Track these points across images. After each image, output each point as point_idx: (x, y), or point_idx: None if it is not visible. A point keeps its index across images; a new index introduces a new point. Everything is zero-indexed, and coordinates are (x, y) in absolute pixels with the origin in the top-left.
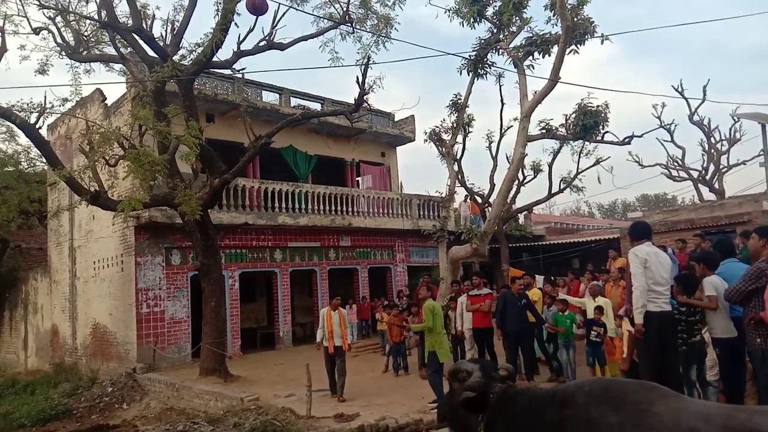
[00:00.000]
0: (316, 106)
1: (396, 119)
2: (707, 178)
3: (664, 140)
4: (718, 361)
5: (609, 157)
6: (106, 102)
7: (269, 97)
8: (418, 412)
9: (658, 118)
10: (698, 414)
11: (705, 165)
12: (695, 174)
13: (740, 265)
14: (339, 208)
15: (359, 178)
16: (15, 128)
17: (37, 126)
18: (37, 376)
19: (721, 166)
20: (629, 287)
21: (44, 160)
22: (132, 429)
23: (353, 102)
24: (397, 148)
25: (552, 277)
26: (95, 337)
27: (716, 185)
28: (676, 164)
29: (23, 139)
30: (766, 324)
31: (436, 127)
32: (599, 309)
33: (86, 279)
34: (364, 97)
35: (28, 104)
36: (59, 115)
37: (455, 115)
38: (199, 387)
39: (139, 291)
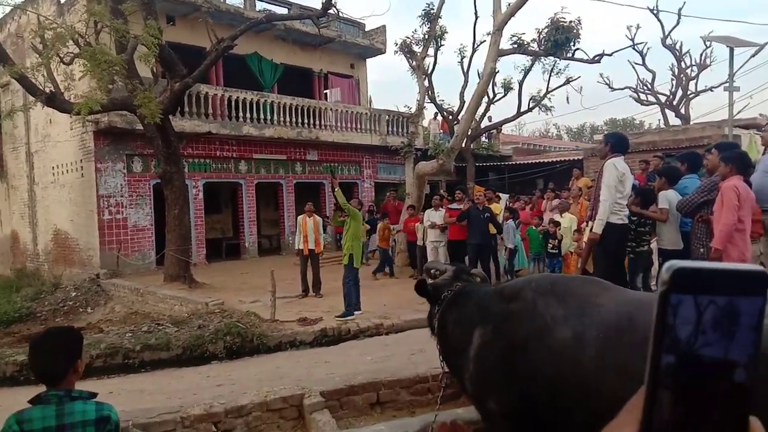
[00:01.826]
0: (283, 11)
1: (366, 29)
2: (674, 103)
3: (636, 63)
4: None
5: (579, 77)
6: None
7: (233, 0)
8: (380, 317)
9: (632, 40)
10: (639, 302)
11: (673, 90)
12: (663, 99)
13: (699, 182)
14: (306, 120)
15: (327, 91)
16: None
17: None
18: None
19: (689, 92)
20: (597, 195)
21: None
22: (97, 331)
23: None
24: (367, 60)
25: (514, 194)
26: (57, 243)
27: (683, 110)
28: (645, 88)
29: None
30: (712, 233)
31: (407, 38)
32: (555, 223)
33: (45, 185)
34: (333, 1)
35: None
36: (9, 9)
37: (427, 26)
38: (163, 292)
39: (101, 198)
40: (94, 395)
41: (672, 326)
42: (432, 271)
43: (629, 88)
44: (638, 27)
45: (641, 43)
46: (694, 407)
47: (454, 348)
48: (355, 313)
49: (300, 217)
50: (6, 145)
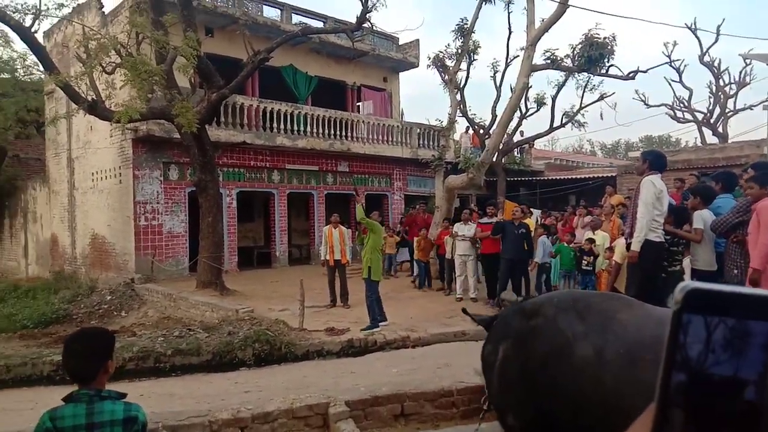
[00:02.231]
0: (319, 25)
1: (400, 43)
2: (712, 121)
3: (672, 80)
4: None
5: (614, 93)
6: (103, 9)
7: (270, 13)
8: (406, 330)
9: (668, 56)
10: (660, 320)
11: (711, 107)
12: (700, 116)
13: (734, 202)
14: (338, 132)
15: (360, 104)
16: (10, 33)
17: (33, 30)
18: (37, 283)
19: (726, 110)
20: (634, 212)
21: (41, 68)
22: (130, 334)
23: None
24: (399, 73)
25: (546, 210)
26: (94, 248)
27: (720, 129)
28: (681, 105)
29: (19, 45)
30: (746, 254)
31: (441, 52)
32: (590, 240)
33: (84, 190)
34: (367, 15)
35: (22, 5)
36: (56, 20)
37: (461, 40)
38: (195, 298)
39: (137, 204)
40: (123, 395)
41: (683, 345)
42: (504, 302)
43: (665, 105)
44: (675, 44)
45: (678, 60)
46: (705, 426)
47: (486, 365)
48: (381, 324)
49: (326, 228)
50: (49, 151)
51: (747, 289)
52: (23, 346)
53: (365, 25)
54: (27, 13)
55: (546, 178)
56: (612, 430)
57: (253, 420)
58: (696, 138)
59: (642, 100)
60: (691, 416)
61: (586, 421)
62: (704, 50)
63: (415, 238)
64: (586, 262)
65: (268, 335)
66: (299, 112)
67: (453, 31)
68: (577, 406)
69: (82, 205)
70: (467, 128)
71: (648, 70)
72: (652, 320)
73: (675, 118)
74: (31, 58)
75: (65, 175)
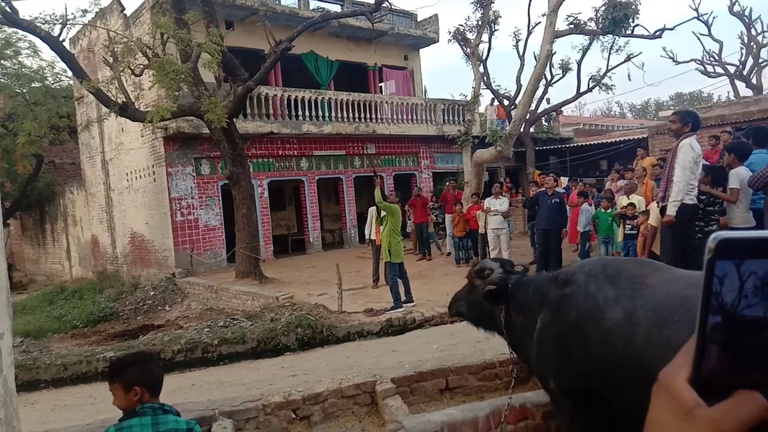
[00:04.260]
0: (336, 8)
1: (419, 19)
2: (744, 73)
3: (701, 34)
4: None
5: (640, 53)
6: (125, 12)
7: (288, 1)
8: (443, 306)
9: (696, 10)
10: (689, 282)
11: (743, 59)
12: (732, 69)
13: None
14: (362, 115)
15: (382, 84)
16: (38, 43)
17: (61, 38)
18: (82, 284)
19: (760, 60)
20: (669, 175)
21: (70, 74)
22: (176, 327)
23: (373, 2)
24: (420, 50)
25: (576, 177)
26: (134, 246)
27: (754, 80)
28: (711, 59)
29: (46, 54)
30: None
31: (461, 25)
32: (631, 204)
33: (120, 190)
34: None
35: (50, 16)
36: (80, 27)
37: (480, 11)
38: (236, 288)
39: (173, 200)
40: (178, 413)
41: (718, 292)
42: (483, 272)
43: (695, 60)
44: None
45: (706, 13)
46: (740, 359)
47: (522, 335)
48: (406, 305)
49: (372, 208)
50: (83, 154)
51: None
52: (75, 345)
53: (384, 5)
54: (55, 23)
55: (576, 144)
56: (645, 389)
57: (304, 401)
58: (729, 92)
59: (671, 57)
60: (725, 350)
61: (619, 381)
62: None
63: (448, 215)
64: (629, 227)
65: (309, 320)
66: (323, 97)
67: (472, 2)
68: (609, 367)
69: (119, 205)
70: (492, 100)
71: (675, 27)
72: (679, 283)
73: (705, 73)
74: (60, 65)
75: (101, 177)
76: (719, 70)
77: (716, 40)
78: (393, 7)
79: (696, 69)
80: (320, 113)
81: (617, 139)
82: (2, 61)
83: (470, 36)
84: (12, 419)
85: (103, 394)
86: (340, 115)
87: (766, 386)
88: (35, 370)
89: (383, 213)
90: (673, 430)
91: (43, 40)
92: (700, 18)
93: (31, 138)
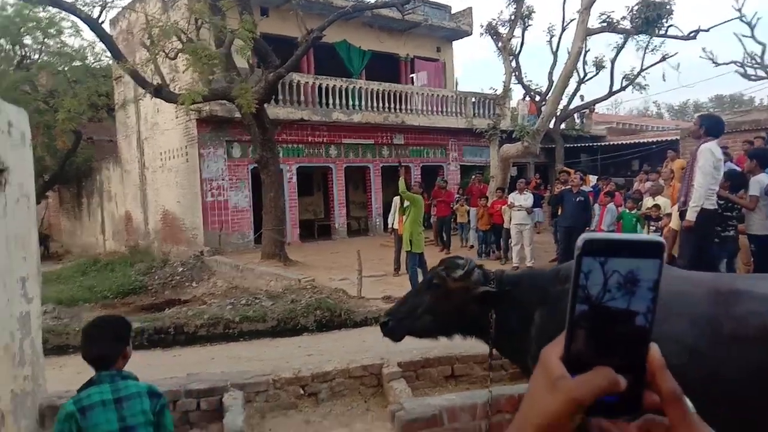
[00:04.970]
0: None
1: (453, 12)
2: None
3: (743, 35)
4: (752, 256)
5: (676, 53)
6: None
7: None
8: None
9: (739, 10)
10: (687, 279)
11: None
12: None
13: None
14: (392, 105)
15: (413, 75)
16: (79, 23)
17: (100, 20)
18: (114, 257)
19: None
20: (690, 179)
21: (109, 55)
22: (201, 303)
23: None
24: (453, 42)
25: (606, 176)
26: (165, 223)
27: None
28: (753, 62)
29: (87, 34)
30: None
31: (494, 19)
32: (656, 206)
33: (154, 169)
34: None
35: None
36: (119, 9)
37: (514, 6)
38: (260, 269)
39: (204, 181)
40: (137, 378)
41: (584, 285)
42: (460, 272)
43: (735, 62)
44: None
45: (750, 14)
46: (602, 342)
47: (515, 335)
48: None
49: (396, 198)
50: (120, 133)
51: (634, 235)
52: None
53: None
54: (95, 5)
55: (607, 143)
56: None
57: (312, 379)
58: None
59: (710, 59)
60: (590, 335)
61: None
62: None
63: (472, 209)
64: (654, 228)
65: (328, 303)
66: (354, 86)
67: None
68: None
69: (153, 183)
70: (524, 95)
71: (710, 28)
72: (676, 280)
73: (746, 76)
74: (100, 45)
75: (136, 155)
76: (761, 73)
77: (759, 42)
78: None
79: (736, 71)
80: (350, 102)
81: (650, 140)
82: (46, 40)
83: (503, 30)
84: (38, 376)
85: (130, 360)
86: (370, 104)
87: (622, 366)
88: (65, 336)
89: (406, 203)
90: (541, 395)
91: (83, 21)
92: (743, 19)
93: (71, 114)
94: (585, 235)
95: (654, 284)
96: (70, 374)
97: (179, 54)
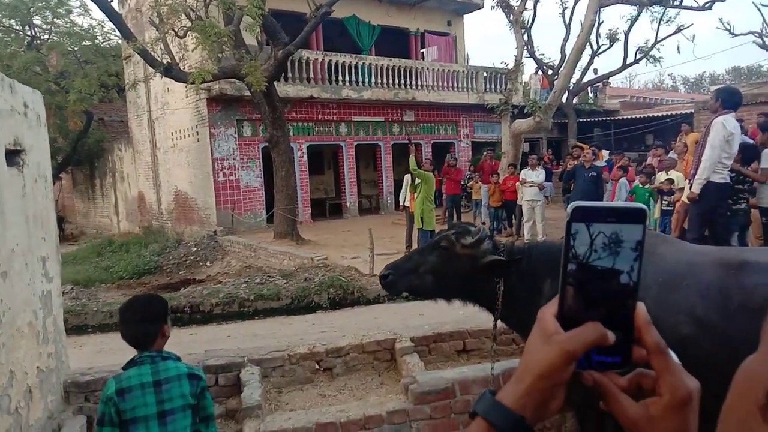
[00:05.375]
0: None
1: None
2: None
3: (762, 4)
4: (762, 230)
5: (691, 25)
6: None
7: None
8: None
9: None
10: (696, 251)
11: None
12: None
13: None
14: (403, 81)
15: (424, 50)
16: (88, 2)
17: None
18: (129, 238)
19: None
20: (701, 152)
21: (118, 34)
22: (215, 282)
23: None
24: (464, 16)
25: (619, 151)
26: (178, 203)
27: None
28: None
29: (96, 13)
30: None
31: None
32: (669, 180)
33: (166, 149)
34: None
35: None
36: None
37: None
38: (273, 248)
39: (215, 161)
40: (179, 358)
41: (573, 245)
42: (470, 238)
43: (753, 33)
44: None
45: None
46: (590, 298)
47: (525, 307)
48: None
49: (407, 175)
50: (130, 113)
51: (616, 203)
52: (121, 295)
53: None
54: None
55: (621, 117)
56: None
57: (327, 354)
58: None
59: (727, 29)
60: (579, 291)
61: None
62: None
63: (483, 185)
64: (666, 202)
65: (341, 281)
66: (363, 63)
67: None
68: None
69: (165, 163)
70: (536, 69)
71: None
72: (686, 252)
73: (764, 46)
74: (109, 25)
75: (147, 135)
76: None
77: None
78: None
79: (753, 42)
80: (360, 78)
81: (664, 113)
82: (55, 20)
83: (515, 3)
84: (61, 354)
85: None
86: (380, 80)
87: (612, 323)
88: (84, 316)
89: (417, 180)
90: (538, 348)
91: (92, 1)
92: None
93: (82, 95)
94: (573, 203)
95: (637, 245)
96: (90, 353)
97: (188, 32)
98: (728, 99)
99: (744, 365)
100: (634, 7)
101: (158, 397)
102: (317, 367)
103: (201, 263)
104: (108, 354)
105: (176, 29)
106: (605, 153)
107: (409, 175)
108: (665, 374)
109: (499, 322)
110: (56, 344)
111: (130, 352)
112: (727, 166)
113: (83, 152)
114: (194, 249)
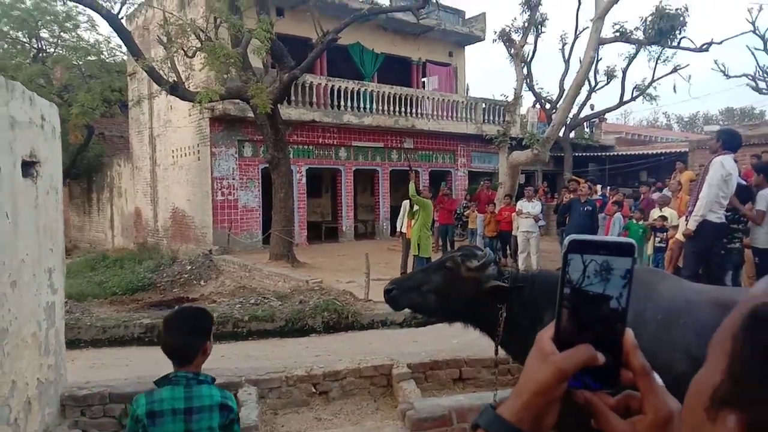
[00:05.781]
0: (385, 2)
1: (466, 17)
2: None
3: (756, 48)
4: (755, 270)
5: (688, 65)
6: None
7: None
8: None
9: (753, 23)
10: (693, 290)
11: None
12: None
13: None
14: (403, 109)
15: (425, 79)
16: (96, 18)
17: (119, 16)
18: (123, 253)
19: None
20: (699, 190)
21: (124, 50)
22: (209, 302)
23: None
24: (465, 47)
25: (613, 186)
26: (175, 221)
27: None
28: (764, 75)
29: (103, 29)
30: None
31: (507, 26)
32: (662, 217)
33: (165, 166)
34: None
35: None
36: (137, 5)
37: (528, 13)
38: (268, 269)
39: (215, 180)
40: (214, 380)
41: (567, 272)
42: (476, 262)
43: (746, 75)
44: (761, 9)
45: (762, 28)
46: (583, 321)
47: (522, 331)
48: None
49: (405, 202)
50: (132, 129)
51: (610, 237)
52: (114, 310)
53: (431, 0)
54: (116, 1)
55: (616, 153)
56: None
57: (324, 377)
58: None
59: (722, 71)
60: (573, 314)
61: None
62: None
63: (479, 215)
64: (659, 239)
65: (336, 305)
66: (365, 89)
67: (520, 3)
68: None
69: (163, 180)
70: (535, 103)
71: (723, 41)
72: (684, 290)
73: (757, 89)
74: (115, 41)
75: (147, 152)
76: None
77: None
78: (441, 3)
79: (747, 84)
80: (362, 104)
81: (658, 151)
82: (62, 34)
83: (516, 37)
84: (60, 367)
85: (138, 356)
86: (381, 107)
87: (602, 346)
88: (76, 330)
89: (416, 207)
90: (535, 367)
91: (103, 17)
92: (756, 32)
93: (84, 109)
94: (570, 236)
95: (626, 273)
96: (83, 368)
97: (197, 52)
98: (729, 140)
99: (693, 379)
100: (633, 46)
101: (187, 426)
102: (314, 390)
103: (195, 282)
104: (101, 369)
105: (185, 49)
106: (599, 188)
107: (408, 201)
108: (649, 395)
109: (499, 348)
110: (56, 356)
111: (124, 369)
112: (723, 206)
113: (82, 166)
114: (189, 267)
